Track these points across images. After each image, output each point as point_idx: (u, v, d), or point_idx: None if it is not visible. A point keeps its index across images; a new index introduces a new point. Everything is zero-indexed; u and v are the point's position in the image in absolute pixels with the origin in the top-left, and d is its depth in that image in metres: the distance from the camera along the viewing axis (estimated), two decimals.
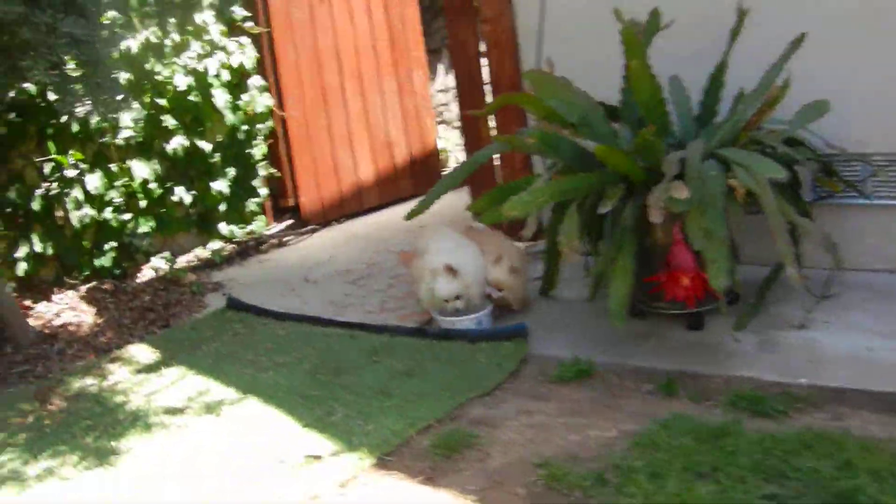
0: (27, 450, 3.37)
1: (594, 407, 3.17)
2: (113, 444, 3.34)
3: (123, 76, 5.34)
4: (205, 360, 4.09)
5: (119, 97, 4.77)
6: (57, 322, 4.75)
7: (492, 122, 5.34)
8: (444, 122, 8.37)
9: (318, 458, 3.01)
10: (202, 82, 5.71)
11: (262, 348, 4.14)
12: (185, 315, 4.86)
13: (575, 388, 3.34)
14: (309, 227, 6.50)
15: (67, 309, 4.91)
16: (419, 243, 4.36)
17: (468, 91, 5.37)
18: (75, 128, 5.16)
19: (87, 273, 5.30)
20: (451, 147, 8.36)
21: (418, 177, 7.38)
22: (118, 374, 4.06)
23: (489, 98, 5.33)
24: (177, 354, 4.21)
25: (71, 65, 4.49)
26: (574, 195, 3.51)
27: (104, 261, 5.33)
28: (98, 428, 3.49)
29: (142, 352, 4.32)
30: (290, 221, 6.52)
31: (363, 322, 4.30)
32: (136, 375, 4.02)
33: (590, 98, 3.82)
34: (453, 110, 8.45)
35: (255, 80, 6.10)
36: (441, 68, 8.33)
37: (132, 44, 5.40)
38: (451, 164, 8.35)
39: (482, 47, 5.27)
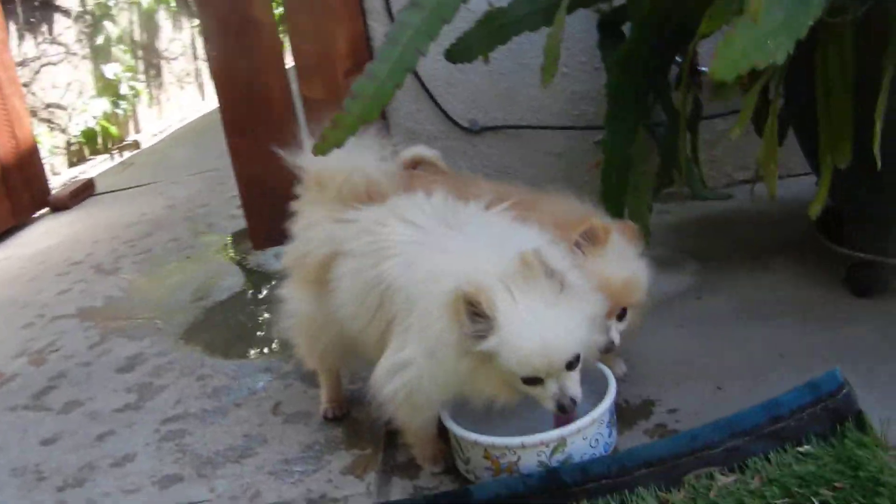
0: None
1: None
2: None
3: None
4: None
5: None
6: None
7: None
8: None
9: None
10: None
11: None
12: None
13: None
14: None
15: None
16: (348, 231, 1.68)
17: None
18: None
19: None
20: (45, 151, 5.47)
21: (17, 194, 4.55)
22: None
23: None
24: None
25: None
26: None
27: None
28: None
29: None
30: None
31: None
32: None
33: None
34: (37, 93, 5.58)
35: None
36: (13, 29, 5.37)
37: None
38: (52, 176, 5.46)
39: None
